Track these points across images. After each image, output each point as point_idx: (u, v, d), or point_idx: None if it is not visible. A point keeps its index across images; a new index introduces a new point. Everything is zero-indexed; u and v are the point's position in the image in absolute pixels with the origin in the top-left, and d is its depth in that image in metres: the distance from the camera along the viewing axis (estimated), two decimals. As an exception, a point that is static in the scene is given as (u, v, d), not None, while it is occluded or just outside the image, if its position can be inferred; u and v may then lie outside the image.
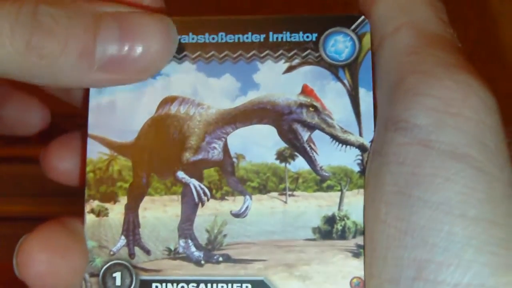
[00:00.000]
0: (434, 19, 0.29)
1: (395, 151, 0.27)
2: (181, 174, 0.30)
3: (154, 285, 0.29)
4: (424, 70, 0.27)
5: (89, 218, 0.30)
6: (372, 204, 0.28)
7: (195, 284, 0.29)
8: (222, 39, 0.30)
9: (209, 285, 0.29)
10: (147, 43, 0.28)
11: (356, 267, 0.29)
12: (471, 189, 0.26)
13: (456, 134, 0.26)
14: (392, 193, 0.27)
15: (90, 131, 0.30)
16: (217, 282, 0.29)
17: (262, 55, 0.30)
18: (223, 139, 0.30)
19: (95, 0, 0.28)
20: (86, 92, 0.31)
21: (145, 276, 0.29)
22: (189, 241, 0.29)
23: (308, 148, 0.30)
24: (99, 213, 0.30)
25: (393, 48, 0.28)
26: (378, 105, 0.29)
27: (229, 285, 0.29)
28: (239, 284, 0.29)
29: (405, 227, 0.26)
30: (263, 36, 0.30)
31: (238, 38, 0.30)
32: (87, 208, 0.30)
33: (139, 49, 0.28)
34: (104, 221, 0.30)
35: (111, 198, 0.30)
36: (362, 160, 0.29)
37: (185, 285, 0.29)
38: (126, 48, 0.28)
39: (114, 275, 0.29)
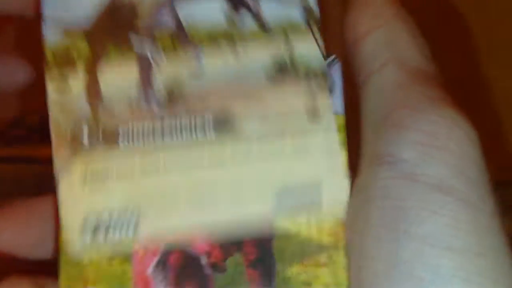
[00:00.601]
0: (418, 55, 0.29)
1: (380, 185, 0.27)
2: (134, 37, 0.31)
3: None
4: (409, 105, 0.28)
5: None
6: (359, 238, 0.28)
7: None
8: None
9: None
10: None
11: None
12: (458, 221, 0.26)
13: (442, 167, 0.26)
14: (378, 227, 0.27)
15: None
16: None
17: None
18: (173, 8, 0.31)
19: None
20: None
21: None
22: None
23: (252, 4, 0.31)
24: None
25: (379, 84, 0.29)
26: (363, 142, 0.30)
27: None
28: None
29: (393, 261, 0.26)
30: None
31: None
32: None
33: None
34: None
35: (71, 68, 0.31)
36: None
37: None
38: None
39: None
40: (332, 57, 0.30)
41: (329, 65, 0.30)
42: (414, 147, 0.27)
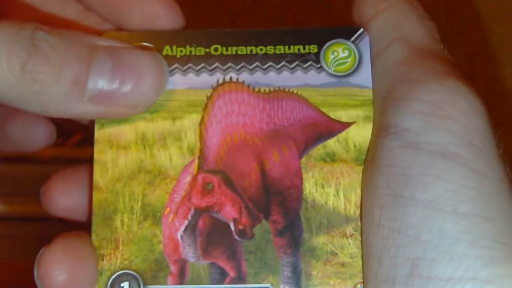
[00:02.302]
0: (425, 35, 0.30)
1: (386, 155, 0.28)
2: None
3: None
4: (413, 78, 0.28)
5: None
6: (367, 208, 0.29)
7: None
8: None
9: None
10: (139, 79, 0.29)
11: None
12: (461, 186, 0.26)
13: (445, 135, 0.27)
14: (384, 196, 0.27)
15: None
16: None
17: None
18: None
19: (91, 33, 0.29)
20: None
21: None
22: None
23: None
24: None
25: (385, 62, 0.30)
26: (373, 119, 0.30)
27: None
28: None
29: (398, 226, 0.27)
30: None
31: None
32: None
33: (130, 84, 0.28)
34: None
35: None
36: None
37: None
38: (117, 82, 0.28)
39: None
40: (361, 30, 0.31)
41: (358, 38, 0.31)
42: (416, 117, 0.27)
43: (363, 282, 0.29)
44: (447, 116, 0.27)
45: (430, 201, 0.26)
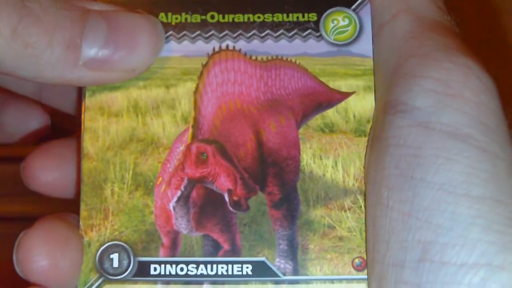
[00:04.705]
0: (431, 6, 0.29)
1: (395, 134, 0.27)
2: None
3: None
4: (422, 53, 0.27)
5: None
6: (373, 188, 0.28)
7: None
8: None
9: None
10: (134, 42, 0.28)
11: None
12: (475, 168, 0.25)
13: (457, 115, 0.26)
14: (393, 176, 0.26)
15: None
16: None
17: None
18: None
19: None
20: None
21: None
22: None
23: None
24: None
25: (391, 34, 0.29)
26: (376, 90, 0.29)
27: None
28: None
29: (409, 209, 0.26)
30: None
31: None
32: None
33: (125, 48, 0.28)
34: None
35: None
36: None
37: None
38: (112, 46, 0.27)
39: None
40: None
41: (359, 6, 0.30)
42: (427, 94, 0.26)
43: (366, 263, 0.28)
44: (458, 95, 0.26)
45: (443, 184, 0.25)
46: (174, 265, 0.29)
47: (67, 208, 0.31)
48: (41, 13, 0.26)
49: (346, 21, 0.30)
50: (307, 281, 0.28)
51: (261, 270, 0.28)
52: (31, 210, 0.62)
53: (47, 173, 0.31)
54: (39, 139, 0.37)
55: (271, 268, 0.28)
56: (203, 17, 0.30)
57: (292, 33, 0.30)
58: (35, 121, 0.36)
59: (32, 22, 0.26)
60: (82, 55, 0.27)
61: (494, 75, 0.28)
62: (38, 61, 0.26)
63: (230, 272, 0.28)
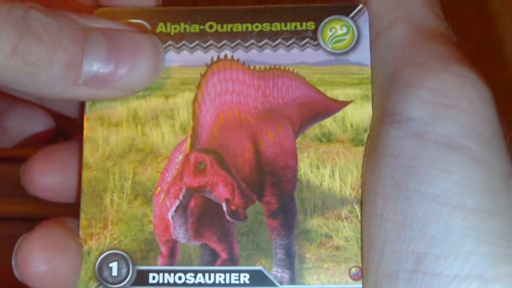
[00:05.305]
0: (428, 13, 0.29)
1: (390, 144, 0.27)
2: None
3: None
4: (419, 63, 0.27)
5: None
6: (369, 198, 0.28)
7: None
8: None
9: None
10: (134, 61, 0.28)
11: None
12: (469, 179, 0.25)
13: (452, 125, 0.26)
14: (388, 187, 0.26)
15: None
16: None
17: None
18: None
19: (86, 14, 0.28)
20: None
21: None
22: None
23: None
24: None
25: (388, 42, 0.29)
26: (373, 98, 0.29)
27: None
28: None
29: (403, 219, 0.26)
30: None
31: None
32: None
33: (125, 67, 0.28)
34: None
35: None
36: None
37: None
38: (113, 65, 0.28)
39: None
40: (360, 6, 0.30)
41: (357, 14, 0.30)
42: (423, 105, 0.26)
43: (362, 273, 0.28)
44: (454, 106, 0.26)
45: (437, 195, 0.25)
46: (172, 274, 0.29)
47: (67, 209, 0.31)
48: (42, 32, 0.26)
49: (344, 30, 0.30)
50: None
51: (258, 279, 0.29)
52: (31, 211, 0.62)
53: (47, 177, 0.31)
54: (44, 141, 0.37)
55: (268, 277, 0.29)
56: (202, 27, 0.30)
57: (290, 42, 0.30)
58: (39, 124, 0.36)
59: (33, 41, 0.26)
60: (82, 74, 0.27)
61: (492, 78, 0.28)
62: (37, 78, 0.26)
63: (227, 281, 0.29)
